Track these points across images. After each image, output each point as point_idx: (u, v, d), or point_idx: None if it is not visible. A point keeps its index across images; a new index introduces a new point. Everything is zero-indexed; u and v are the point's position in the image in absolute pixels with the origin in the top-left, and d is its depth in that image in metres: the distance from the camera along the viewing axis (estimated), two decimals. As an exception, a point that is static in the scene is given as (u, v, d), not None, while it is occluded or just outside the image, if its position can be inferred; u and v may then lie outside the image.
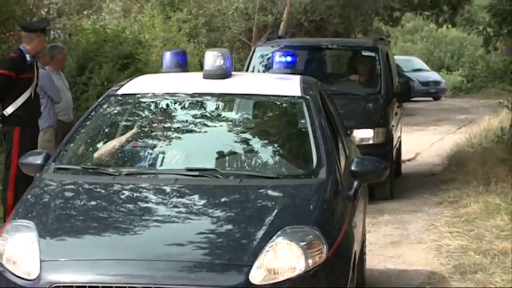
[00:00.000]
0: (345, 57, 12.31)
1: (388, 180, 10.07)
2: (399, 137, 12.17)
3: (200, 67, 15.97)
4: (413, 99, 28.98)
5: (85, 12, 16.60)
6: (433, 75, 33.36)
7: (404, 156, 14.00)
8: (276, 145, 5.06)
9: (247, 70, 10.98)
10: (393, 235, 8.58)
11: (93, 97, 11.82)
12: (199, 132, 5.17)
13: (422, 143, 16.62)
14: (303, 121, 5.09)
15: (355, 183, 4.86)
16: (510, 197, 9.29)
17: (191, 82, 5.49)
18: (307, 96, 5.20)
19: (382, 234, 8.61)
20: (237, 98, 5.34)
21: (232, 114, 5.31)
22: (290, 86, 5.39)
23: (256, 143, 5.05)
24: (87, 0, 17.65)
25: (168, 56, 5.72)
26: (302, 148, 4.98)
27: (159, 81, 5.64)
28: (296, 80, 5.49)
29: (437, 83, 32.58)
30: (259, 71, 11.08)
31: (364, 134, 10.12)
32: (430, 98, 31.19)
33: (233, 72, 5.54)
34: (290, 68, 5.68)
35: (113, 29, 13.86)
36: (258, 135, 5.14)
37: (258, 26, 20.56)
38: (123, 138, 5.12)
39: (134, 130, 5.15)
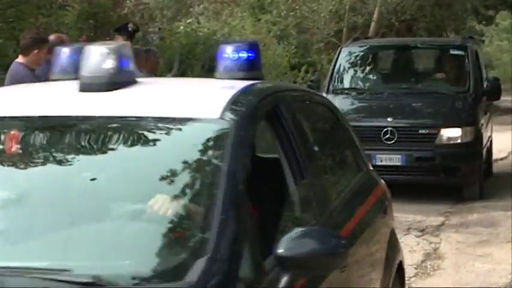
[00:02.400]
0: (434, 56, 11.97)
1: (477, 179, 10.04)
2: (490, 136, 11.84)
3: (290, 69, 16.12)
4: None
5: (177, 17, 16.84)
6: None
7: (496, 155, 13.71)
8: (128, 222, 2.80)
9: (333, 70, 11.06)
10: (482, 234, 8.41)
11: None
12: (35, 189, 2.99)
13: (515, 142, 16.23)
14: (207, 164, 2.95)
15: (285, 277, 2.76)
16: None
17: (54, 98, 3.39)
18: (228, 120, 3.02)
19: (471, 233, 8.46)
20: (114, 124, 3.15)
21: (99, 155, 3.13)
22: (210, 102, 3.25)
23: (105, 212, 2.86)
24: (180, 5, 17.91)
25: (61, 55, 3.64)
26: (181, 221, 2.83)
27: (8, 96, 3.60)
28: (229, 91, 3.32)
29: None
30: (345, 71, 11.21)
31: (452, 133, 9.85)
32: None
33: (139, 79, 3.51)
34: (245, 70, 3.58)
35: (204, 32, 14.03)
36: (122, 194, 2.94)
37: (348, 27, 20.50)
38: None
39: None
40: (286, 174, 3.32)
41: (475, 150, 10.03)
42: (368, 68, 11.42)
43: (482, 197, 10.15)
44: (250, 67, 3.61)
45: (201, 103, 3.28)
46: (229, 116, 3.05)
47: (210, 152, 3.00)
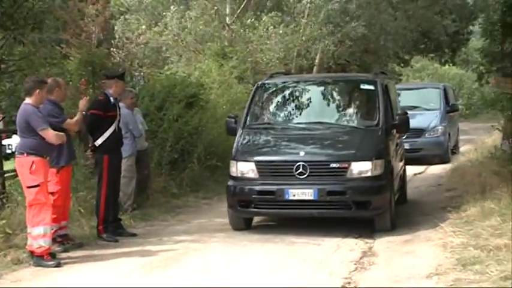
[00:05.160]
0: (345, 91, 9.93)
1: (388, 211, 8.50)
2: (402, 166, 10.49)
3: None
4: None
5: (157, 64, 16.78)
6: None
7: (416, 170, 13.77)
8: None
9: (249, 106, 9.45)
10: (407, 235, 8.41)
11: (167, 130, 11.91)
12: None
13: (430, 159, 16.32)
14: None
15: None
16: (502, 202, 9.05)
17: None
18: None
19: (398, 234, 8.44)
20: None
21: None
22: None
23: None
24: (159, 55, 17.87)
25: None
26: None
27: None
28: None
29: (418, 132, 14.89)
30: (261, 106, 9.62)
31: (361, 167, 8.25)
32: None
33: None
34: None
35: (180, 75, 13.94)
36: None
37: (295, 69, 20.58)
38: None
39: None
40: None
41: (385, 182, 8.42)
42: (282, 103, 9.64)
43: (394, 229, 8.58)
44: None
45: None
46: None
47: None
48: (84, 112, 8.00)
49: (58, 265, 7.16)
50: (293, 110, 9.56)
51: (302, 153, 8.41)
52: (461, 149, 18.18)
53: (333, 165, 8.27)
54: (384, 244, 7.93)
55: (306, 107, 9.62)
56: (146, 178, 10.58)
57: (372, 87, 9.37)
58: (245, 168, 8.50)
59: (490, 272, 6.23)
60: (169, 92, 12.73)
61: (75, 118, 7.85)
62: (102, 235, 8.40)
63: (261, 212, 8.69)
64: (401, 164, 10.29)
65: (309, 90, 9.84)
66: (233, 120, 9.23)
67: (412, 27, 25.02)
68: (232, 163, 8.67)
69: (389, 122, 9.02)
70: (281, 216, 9.08)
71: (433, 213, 9.65)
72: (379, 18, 22.19)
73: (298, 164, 8.26)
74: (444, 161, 15.38)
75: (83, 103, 8.03)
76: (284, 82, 10.02)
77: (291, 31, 19.33)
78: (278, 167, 8.44)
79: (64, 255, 7.62)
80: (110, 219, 8.49)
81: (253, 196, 8.41)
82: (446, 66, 37.97)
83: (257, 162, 8.48)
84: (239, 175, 8.54)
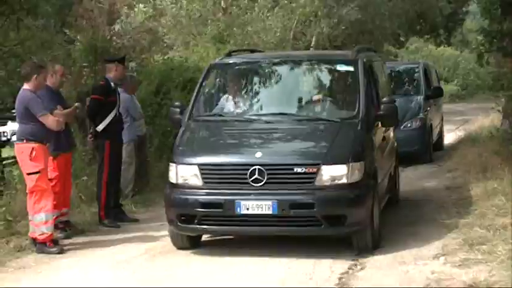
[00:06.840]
0: (318, 73, 7.87)
1: (369, 225, 6.67)
2: (392, 164, 8.70)
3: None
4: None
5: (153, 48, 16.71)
6: None
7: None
8: None
9: (197, 93, 7.57)
10: (411, 216, 8.35)
11: (166, 115, 11.82)
12: None
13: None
14: None
15: None
16: (505, 181, 9.02)
17: None
18: None
19: (401, 216, 8.38)
20: None
21: None
22: None
23: None
24: (154, 37, 17.69)
25: None
26: None
27: None
28: None
29: None
30: (211, 93, 7.88)
31: (334, 172, 6.43)
32: None
33: None
34: None
35: (178, 60, 13.82)
36: None
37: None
38: None
39: None
40: None
41: (365, 191, 6.58)
42: (238, 90, 7.74)
43: (377, 248, 6.81)
44: None
45: None
46: None
47: None
48: (77, 109, 7.74)
49: (61, 251, 7.10)
50: (251, 97, 7.73)
51: (258, 154, 6.61)
52: (458, 132, 18.07)
53: (298, 169, 6.47)
54: (389, 226, 7.87)
55: (268, 95, 7.73)
56: (145, 163, 10.51)
57: (350, 69, 7.52)
58: (187, 174, 6.71)
59: (498, 252, 6.18)
60: (167, 76, 12.63)
61: (64, 111, 7.37)
62: (103, 221, 8.33)
63: (206, 230, 6.87)
64: (390, 161, 8.56)
65: (273, 72, 7.85)
66: (178, 110, 7.44)
67: (407, 8, 24.91)
68: (171, 166, 6.88)
69: (372, 112, 7.17)
70: (233, 234, 7.29)
71: (436, 194, 9.62)
72: (372, 0, 22.08)
73: (253, 168, 6.47)
74: (424, 160, 12.76)
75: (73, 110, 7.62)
76: (242, 62, 8.08)
77: (286, 11, 19.22)
78: (228, 172, 6.63)
79: (66, 241, 7.56)
80: (111, 205, 8.42)
81: (197, 209, 6.61)
82: (441, 47, 37.86)
83: (201, 166, 6.65)
84: (180, 182, 6.75)
